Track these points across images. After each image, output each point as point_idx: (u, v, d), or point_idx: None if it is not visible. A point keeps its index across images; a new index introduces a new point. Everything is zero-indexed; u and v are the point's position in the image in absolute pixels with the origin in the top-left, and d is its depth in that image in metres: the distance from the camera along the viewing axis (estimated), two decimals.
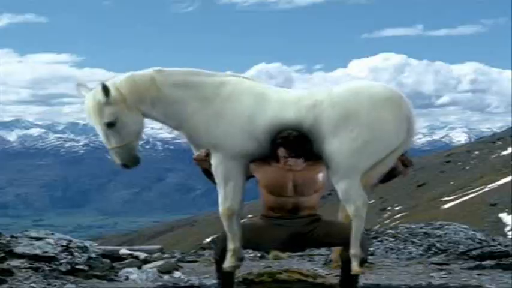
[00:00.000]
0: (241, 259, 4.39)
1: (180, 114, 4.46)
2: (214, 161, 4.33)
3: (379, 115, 4.17)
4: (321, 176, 4.31)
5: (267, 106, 4.31)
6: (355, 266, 4.23)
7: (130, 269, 6.07)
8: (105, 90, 4.29)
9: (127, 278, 5.86)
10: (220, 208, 4.36)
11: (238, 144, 4.29)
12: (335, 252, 4.66)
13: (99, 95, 4.31)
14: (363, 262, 4.41)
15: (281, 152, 4.21)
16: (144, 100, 4.43)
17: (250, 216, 7.89)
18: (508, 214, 38.09)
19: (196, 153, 4.43)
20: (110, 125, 4.37)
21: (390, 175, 4.38)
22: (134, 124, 4.44)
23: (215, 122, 4.33)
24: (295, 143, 4.17)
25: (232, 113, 4.33)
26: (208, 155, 4.34)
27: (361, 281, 5.13)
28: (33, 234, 6.14)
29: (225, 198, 4.35)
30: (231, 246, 4.33)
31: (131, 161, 4.50)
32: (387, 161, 4.26)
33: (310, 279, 5.75)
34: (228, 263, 4.34)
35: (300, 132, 4.18)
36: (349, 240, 4.26)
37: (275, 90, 4.45)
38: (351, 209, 4.20)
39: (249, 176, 4.39)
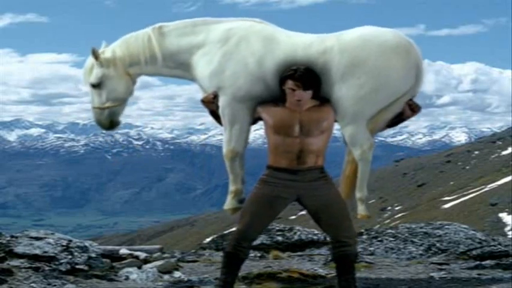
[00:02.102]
0: (241, 201, 4.40)
1: (186, 62, 4.56)
2: (221, 103, 4.39)
3: (387, 63, 4.21)
4: (327, 117, 4.26)
5: (276, 49, 4.34)
6: (361, 210, 4.24)
7: (130, 269, 6.06)
8: (94, 53, 4.58)
9: (127, 278, 5.86)
10: (224, 149, 4.42)
11: (246, 86, 4.33)
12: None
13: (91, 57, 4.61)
14: (355, 257, 4.33)
15: (289, 84, 4.13)
16: (136, 61, 4.66)
17: None
18: (508, 214, 38.09)
19: (203, 94, 4.47)
20: (95, 86, 4.62)
21: (398, 119, 4.43)
22: (119, 89, 4.69)
23: (223, 65, 4.39)
24: (303, 75, 4.13)
25: (240, 56, 4.38)
26: (215, 96, 4.37)
27: (361, 281, 5.13)
28: (33, 234, 6.14)
29: (229, 140, 4.41)
30: (232, 188, 4.38)
31: (106, 124, 4.74)
32: (393, 108, 4.32)
33: (310, 279, 5.75)
34: (228, 204, 4.40)
35: (309, 67, 4.17)
36: (338, 236, 4.22)
37: (286, 34, 4.47)
38: (357, 152, 4.27)
39: (255, 119, 4.40)
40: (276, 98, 4.28)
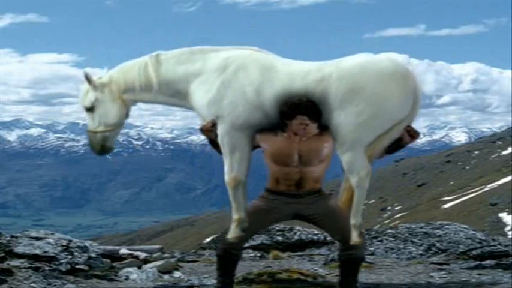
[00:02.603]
0: (244, 230, 4.39)
1: (184, 91, 4.56)
2: (220, 131, 4.38)
3: (385, 89, 4.21)
4: (326, 146, 4.30)
5: (274, 78, 4.34)
6: (354, 237, 4.25)
7: (130, 269, 6.07)
8: (86, 77, 4.60)
9: (127, 278, 5.86)
10: (226, 178, 4.40)
11: (244, 115, 4.32)
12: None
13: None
14: (361, 260, 4.41)
15: (299, 119, 4.19)
16: (131, 88, 4.63)
17: None
18: (508, 214, 38.11)
19: (202, 123, 4.47)
20: (88, 110, 4.68)
21: (396, 146, 4.42)
22: (111, 114, 4.72)
23: (222, 93, 4.37)
24: (310, 108, 4.19)
25: (238, 84, 4.37)
26: (214, 125, 4.37)
27: (361, 280, 5.13)
28: (33, 234, 6.14)
29: (231, 168, 4.39)
30: (235, 216, 4.37)
31: (97, 148, 4.75)
32: (392, 134, 4.31)
33: (310, 279, 5.75)
34: (232, 233, 4.37)
35: (310, 99, 4.21)
36: (346, 238, 4.28)
37: (283, 63, 4.47)
38: (354, 179, 4.25)
39: (255, 146, 4.41)
40: (275, 126, 4.32)
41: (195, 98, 4.51)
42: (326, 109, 4.22)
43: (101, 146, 4.71)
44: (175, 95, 4.62)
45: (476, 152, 71.60)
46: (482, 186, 50.10)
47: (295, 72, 4.35)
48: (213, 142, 4.47)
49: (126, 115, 4.80)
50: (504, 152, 65.17)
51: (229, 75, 4.40)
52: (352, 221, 4.27)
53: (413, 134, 4.42)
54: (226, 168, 4.40)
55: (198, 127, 4.52)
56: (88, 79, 4.61)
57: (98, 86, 4.63)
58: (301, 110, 4.18)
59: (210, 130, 4.40)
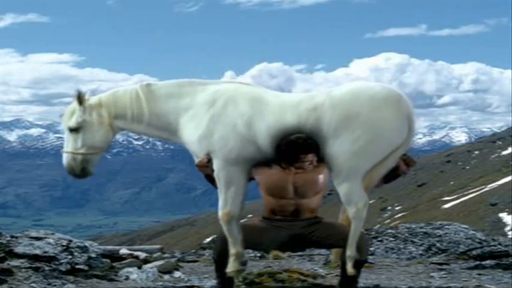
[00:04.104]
0: (244, 263, 4.39)
1: (173, 125, 4.49)
2: (216, 166, 4.33)
3: (380, 115, 4.17)
4: (321, 177, 4.31)
5: (265, 110, 4.29)
6: (349, 268, 4.23)
7: (130, 269, 6.07)
8: (79, 97, 4.50)
9: (127, 278, 5.86)
10: (220, 213, 4.36)
11: (236, 148, 4.27)
12: (334, 253, 4.66)
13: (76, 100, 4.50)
14: (362, 263, 4.42)
15: (308, 157, 4.19)
16: (122, 116, 4.56)
17: (250, 216, 7.88)
18: (508, 214, 38.10)
19: (196, 159, 4.44)
20: (72, 130, 4.55)
21: (393, 175, 4.39)
22: (97, 138, 4.58)
23: (211, 128, 4.32)
24: (312, 144, 4.17)
25: (228, 118, 4.31)
26: (210, 160, 4.33)
27: (361, 280, 5.13)
28: (33, 234, 6.14)
29: (225, 203, 4.35)
30: (232, 251, 4.32)
31: (77, 171, 4.62)
32: (388, 162, 4.27)
33: (310, 279, 5.75)
34: (231, 267, 4.34)
35: (308, 135, 4.17)
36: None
37: (273, 95, 4.43)
38: (352, 211, 4.20)
39: (250, 178, 4.39)
40: (269, 159, 4.28)
41: (184, 134, 4.43)
42: (320, 138, 4.17)
43: (81, 169, 4.58)
44: (164, 128, 4.53)
45: (476, 152, 71.58)
46: (482, 186, 50.08)
47: (286, 103, 4.29)
48: (209, 177, 4.41)
49: (112, 140, 4.68)
50: (504, 152, 65.15)
51: (219, 109, 4.34)
52: (348, 252, 4.23)
53: (409, 163, 4.39)
54: (220, 203, 4.35)
55: (195, 163, 4.47)
56: (80, 99, 4.50)
57: (87, 107, 4.52)
58: (306, 149, 4.17)
59: (206, 166, 4.34)
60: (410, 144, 4.38)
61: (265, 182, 4.31)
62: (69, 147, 4.58)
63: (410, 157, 4.39)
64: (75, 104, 4.54)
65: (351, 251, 4.22)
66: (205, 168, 4.37)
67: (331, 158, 4.17)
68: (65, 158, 4.61)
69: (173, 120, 4.48)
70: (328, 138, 4.16)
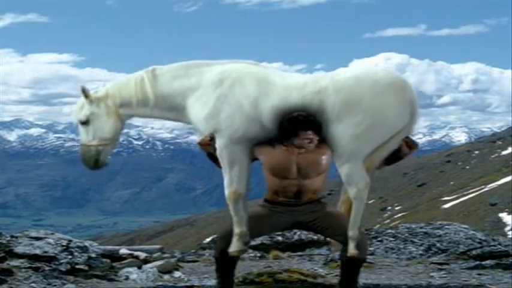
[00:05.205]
0: (247, 243, 4.39)
1: (181, 105, 4.54)
2: (218, 145, 4.37)
3: (383, 101, 4.21)
4: (324, 158, 4.30)
5: (271, 91, 4.34)
6: (351, 249, 4.25)
7: (130, 269, 6.07)
8: (84, 91, 4.60)
9: (127, 278, 5.87)
10: (226, 192, 4.39)
11: (242, 128, 4.31)
12: (333, 243, 4.68)
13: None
14: (361, 262, 4.42)
15: (306, 134, 4.19)
16: (128, 103, 4.63)
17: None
18: (508, 214, 38.12)
19: (200, 137, 4.47)
20: (83, 123, 4.65)
21: (395, 157, 4.42)
22: (105, 129, 4.66)
23: (218, 107, 4.36)
24: (314, 122, 4.19)
25: (235, 98, 4.36)
26: (212, 139, 4.37)
27: (361, 280, 5.13)
28: (33, 234, 6.14)
29: (230, 182, 4.38)
30: (237, 230, 4.36)
31: (90, 163, 4.69)
32: (390, 145, 4.31)
33: (310, 279, 5.75)
34: (234, 247, 4.36)
35: (310, 113, 4.20)
36: (348, 239, 4.28)
37: (280, 76, 4.47)
38: (352, 191, 4.25)
39: (253, 159, 4.40)
40: (273, 139, 4.31)
41: (191, 113, 4.49)
42: (323, 121, 4.22)
43: (95, 161, 4.65)
44: (172, 109, 4.60)
45: (476, 152, 71.63)
46: (482, 186, 50.11)
47: (292, 85, 4.34)
48: (212, 156, 4.45)
49: (121, 130, 4.78)
50: (504, 152, 65.19)
51: (226, 89, 4.39)
52: (350, 233, 4.26)
53: (411, 145, 4.42)
54: (226, 182, 4.39)
55: (197, 141, 4.51)
56: (85, 93, 4.60)
57: (94, 100, 4.61)
58: (306, 126, 4.18)
59: (208, 144, 4.38)
60: (414, 131, 4.41)
61: (269, 162, 4.31)
62: (83, 139, 4.67)
63: (412, 140, 4.42)
64: (83, 99, 4.61)
65: (353, 232, 4.25)
66: (208, 146, 4.40)
67: (333, 140, 4.23)
68: (80, 151, 4.72)
69: (180, 100, 4.54)
70: (331, 121, 4.22)
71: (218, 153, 4.38)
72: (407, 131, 4.36)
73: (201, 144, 4.44)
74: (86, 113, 4.62)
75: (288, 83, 4.38)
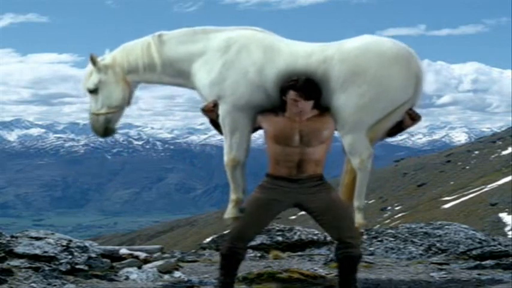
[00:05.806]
0: (241, 210, 4.38)
1: (187, 71, 4.54)
2: (222, 111, 4.39)
3: (387, 72, 4.21)
4: (327, 127, 4.27)
5: (276, 58, 4.33)
6: (358, 219, 4.23)
7: (130, 269, 6.06)
8: (92, 58, 4.60)
9: (127, 278, 5.86)
10: (225, 158, 4.40)
11: (247, 95, 4.32)
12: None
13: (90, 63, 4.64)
14: (358, 258, 4.36)
15: (291, 94, 4.14)
16: (134, 68, 4.62)
17: None
18: (508, 214, 38.10)
19: (204, 103, 4.46)
20: (91, 92, 4.64)
21: (398, 129, 4.42)
22: (114, 96, 4.66)
23: (224, 73, 4.37)
24: (305, 85, 4.14)
25: (241, 64, 4.36)
26: (215, 105, 4.36)
27: (361, 281, 5.13)
28: (33, 234, 6.13)
29: (230, 149, 4.40)
30: (233, 196, 4.37)
31: (100, 131, 4.74)
32: (393, 117, 4.31)
33: (310, 279, 5.75)
34: (229, 213, 4.38)
35: (310, 77, 4.18)
36: (343, 237, 4.25)
37: (286, 43, 4.47)
38: (356, 161, 4.26)
39: (255, 128, 4.40)
40: (276, 107, 4.29)
41: (197, 78, 4.50)
42: (327, 91, 4.20)
43: (104, 129, 4.69)
44: (178, 75, 4.61)
45: (476, 152, 71.56)
46: (482, 186, 50.07)
47: (298, 53, 4.33)
48: (214, 122, 4.46)
49: (130, 97, 4.76)
50: (504, 152, 65.13)
51: (232, 56, 4.38)
52: (356, 203, 4.27)
53: (414, 117, 4.41)
54: (225, 149, 4.40)
55: (200, 107, 4.49)
56: (93, 61, 4.60)
57: (102, 67, 4.61)
58: (296, 87, 4.12)
59: (211, 110, 4.40)
60: (418, 102, 4.40)
61: (272, 129, 4.27)
62: (92, 108, 4.67)
63: (415, 111, 4.41)
64: (91, 66, 4.62)
65: (359, 202, 4.25)
66: (211, 112, 4.41)
67: (337, 110, 4.22)
68: (89, 119, 4.72)
69: (186, 66, 4.55)
70: (335, 90, 4.21)
71: (221, 119, 4.39)
72: (411, 103, 4.34)
73: (205, 110, 4.45)
74: (94, 81, 4.61)
75: (295, 50, 4.36)
